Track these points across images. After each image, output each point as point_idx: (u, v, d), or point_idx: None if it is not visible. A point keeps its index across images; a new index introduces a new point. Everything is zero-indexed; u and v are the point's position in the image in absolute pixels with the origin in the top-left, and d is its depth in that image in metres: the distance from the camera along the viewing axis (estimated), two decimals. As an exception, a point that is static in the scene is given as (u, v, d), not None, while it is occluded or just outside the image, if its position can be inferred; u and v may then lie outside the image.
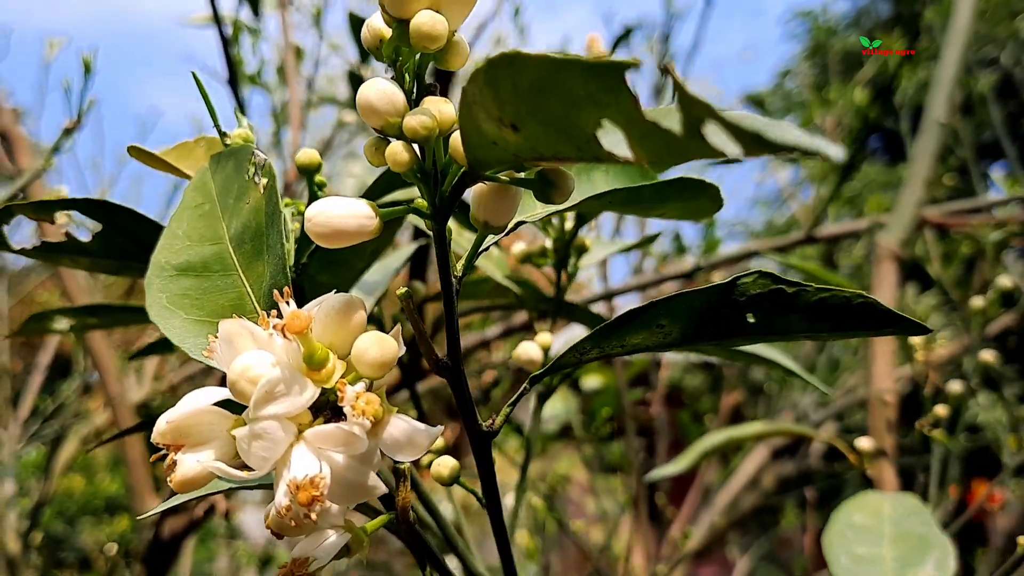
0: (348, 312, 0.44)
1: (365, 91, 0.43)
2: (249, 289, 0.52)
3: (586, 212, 0.79)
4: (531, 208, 0.56)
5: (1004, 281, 0.99)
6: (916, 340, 0.98)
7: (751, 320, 0.49)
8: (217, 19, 1.13)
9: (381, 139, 0.44)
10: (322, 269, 0.70)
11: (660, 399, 2.08)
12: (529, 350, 0.75)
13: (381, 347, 0.42)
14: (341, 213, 0.43)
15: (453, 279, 0.48)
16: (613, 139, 0.33)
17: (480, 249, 0.50)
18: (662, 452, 2.05)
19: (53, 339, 2.11)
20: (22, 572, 1.51)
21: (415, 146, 0.44)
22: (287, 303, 0.43)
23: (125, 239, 0.63)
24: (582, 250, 0.83)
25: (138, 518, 0.48)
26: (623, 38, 1.71)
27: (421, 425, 0.44)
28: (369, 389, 0.43)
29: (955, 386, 1.01)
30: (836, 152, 0.26)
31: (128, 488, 1.49)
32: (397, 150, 0.43)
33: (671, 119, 0.29)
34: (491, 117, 0.36)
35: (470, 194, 0.47)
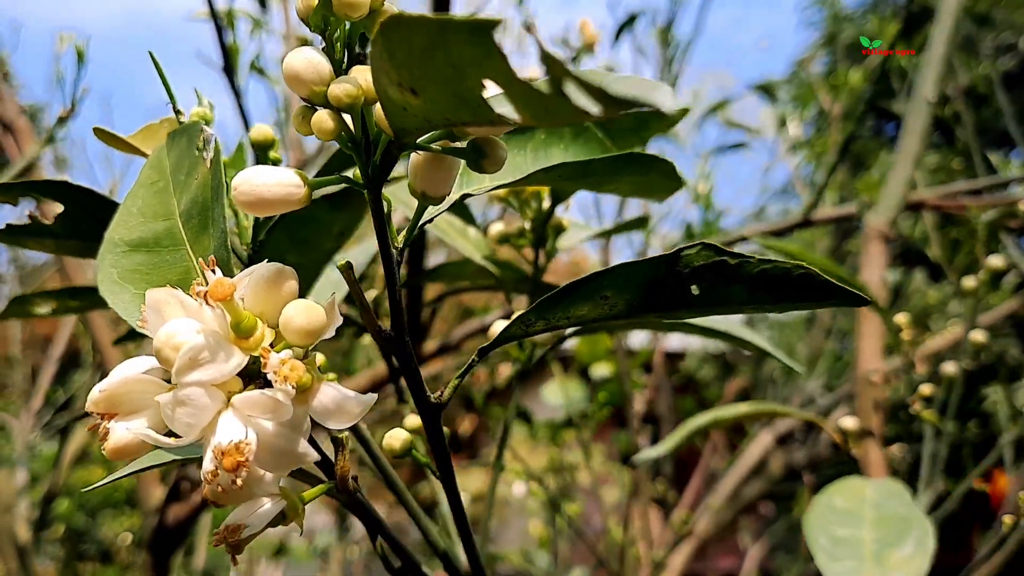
0: (278, 281, 0.44)
1: (290, 60, 0.43)
2: (195, 263, 0.52)
3: (560, 190, 0.79)
4: (479, 181, 0.56)
5: (996, 261, 0.97)
6: (902, 321, 0.96)
7: (695, 291, 0.48)
8: (212, 6, 1.13)
9: (309, 108, 0.44)
10: (290, 248, 0.71)
11: (657, 385, 2.08)
12: (500, 327, 0.75)
13: (308, 315, 0.43)
14: (266, 182, 0.43)
15: (393, 250, 0.48)
16: (503, 103, 0.33)
17: (422, 221, 0.50)
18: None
19: (65, 331, 2.14)
20: (32, 560, 1.54)
21: (349, 117, 0.44)
22: (212, 271, 0.43)
23: (89, 220, 0.63)
24: (560, 230, 0.83)
25: (87, 488, 0.48)
26: (627, 24, 1.70)
27: (351, 393, 0.44)
28: (304, 358, 0.43)
29: (949, 368, 0.99)
30: (670, 103, 0.26)
31: (137, 478, 1.51)
32: (323, 118, 0.43)
33: (542, 80, 0.30)
34: (393, 82, 0.36)
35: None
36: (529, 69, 1.14)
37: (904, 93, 1.69)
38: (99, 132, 0.64)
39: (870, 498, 0.77)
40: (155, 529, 1.31)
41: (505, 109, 0.33)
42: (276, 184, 0.44)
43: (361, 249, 0.93)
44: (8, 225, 0.62)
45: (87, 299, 0.78)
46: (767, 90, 1.79)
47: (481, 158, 0.45)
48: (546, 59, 0.28)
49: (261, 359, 0.41)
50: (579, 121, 0.31)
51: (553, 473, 1.99)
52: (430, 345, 1.41)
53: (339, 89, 0.42)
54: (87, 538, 3.80)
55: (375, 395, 0.45)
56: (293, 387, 0.41)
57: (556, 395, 1.79)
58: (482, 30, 0.30)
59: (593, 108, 0.28)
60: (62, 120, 1.05)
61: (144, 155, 0.66)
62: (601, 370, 2.01)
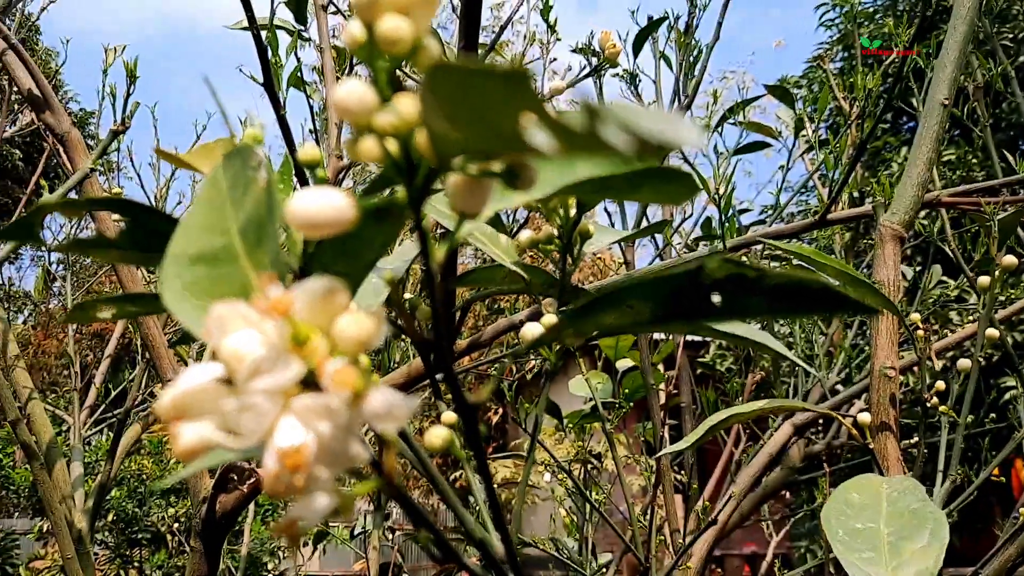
0: (331, 295, 0.48)
1: (339, 92, 0.47)
2: (253, 276, 0.57)
3: (585, 201, 0.83)
4: (510, 196, 0.60)
5: (1010, 259, 1.00)
6: (916, 318, 1.00)
7: (716, 302, 0.52)
8: (251, 21, 1.17)
9: (357, 135, 0.49)
10: (336, 260, 0.75)
11: (678, 378, 2.11)
12: (533, 330, 0.78)
13: (360, 326, 0.47)
14: (317, 205, 0.47)
15: (435, 265, 0.52)
16: (538, 135, 0.37)
17: (460, 237, 0.54)
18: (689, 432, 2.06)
19: (119, 330, 2.21)
20: (89, 547, 1.60)
21: (393, 141, 0.48)
22: (272, 286, 0.47)
23: (147, 234, 0.68)
24: (586, 236, 0.87)
25: (160, 485, 0.53)
26: (647, 31, 1.73)
27: (399, 397, 0.48)
28: (354, 365, 0.48)
29: (964, 362, 1.03)
30: (694, 141, 0.29)
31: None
32: (368, 145, 0.47)
33: (573, 117, 0.33)
34: (437, 118, 0.40)
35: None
36: (554, 82, 1.17)
37: (922, 93, 1.71)
38: (160, 152, 0.68)
39: (886, 494, 0.80)
40: (205, 518, 1.37)
41: (541, 141, 0.37)
42: (327, 207, 0.48)
43: (398, 254, 0.97)
44: (76, 238, 0.67)
45: (145, 305, 0.83)
46: (778, 90, 1.80)
47: (515, 179, 0.49)
48: (583, 105, 0.32)
49: (317, 367, 0.46)
50: (609, 153, 0.34)
51: (579, 463, 2.04)
52: (460, 344, 1.45)
53: (383, 119, 0.46)
54: (137, 525, 3.88)
55: (419, 398, 0.49)
56: (348, 393, 0.45)
57: (582, 387, 1.83)
58: (517, 78, 0.34)
59: (622, 145, 0.32)
60: (115, 134, 1.10)
61: (199, 171, 0.71)
62: (626, 363, 2.05)
